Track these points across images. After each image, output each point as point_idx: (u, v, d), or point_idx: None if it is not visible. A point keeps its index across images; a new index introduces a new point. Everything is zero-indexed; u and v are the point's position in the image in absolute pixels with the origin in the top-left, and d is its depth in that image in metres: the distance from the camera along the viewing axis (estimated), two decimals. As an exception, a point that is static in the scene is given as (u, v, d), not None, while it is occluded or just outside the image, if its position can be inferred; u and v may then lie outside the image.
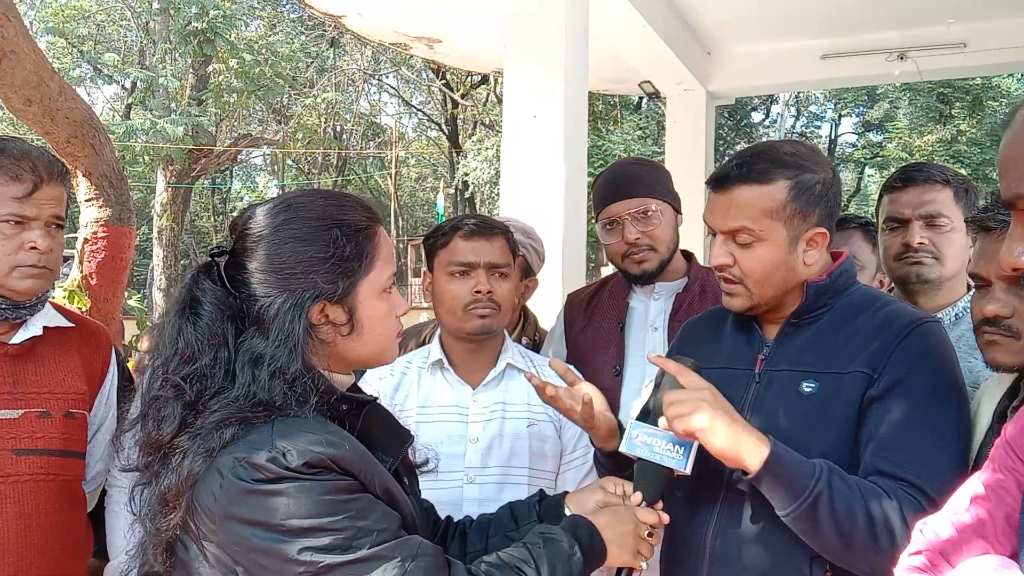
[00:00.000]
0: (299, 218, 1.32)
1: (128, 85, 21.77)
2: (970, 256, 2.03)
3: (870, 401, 1.48)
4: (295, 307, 1.27)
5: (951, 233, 2.10)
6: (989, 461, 1.17)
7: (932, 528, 1.19)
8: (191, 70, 17.76)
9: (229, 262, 1.34)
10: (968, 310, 1.59)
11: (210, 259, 1.35)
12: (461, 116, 25.88)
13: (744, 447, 1.37)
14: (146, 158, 17.36)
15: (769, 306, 1.61)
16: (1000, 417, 1.47)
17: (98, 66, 21.77)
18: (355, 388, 1.43)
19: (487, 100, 23.51)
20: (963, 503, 1.16)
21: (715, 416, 1.38)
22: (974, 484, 1.17)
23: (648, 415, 1.55)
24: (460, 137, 25.81)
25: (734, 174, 1.56)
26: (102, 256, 3.99)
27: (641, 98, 13.27)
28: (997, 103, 21.14)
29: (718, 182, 1.59)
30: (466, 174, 22.90)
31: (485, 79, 21.39)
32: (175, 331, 1.28)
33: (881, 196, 2.27)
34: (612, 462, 1.67)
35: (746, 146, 1.71)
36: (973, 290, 1.51)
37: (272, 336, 1.25)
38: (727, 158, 1.70)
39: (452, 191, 25.31)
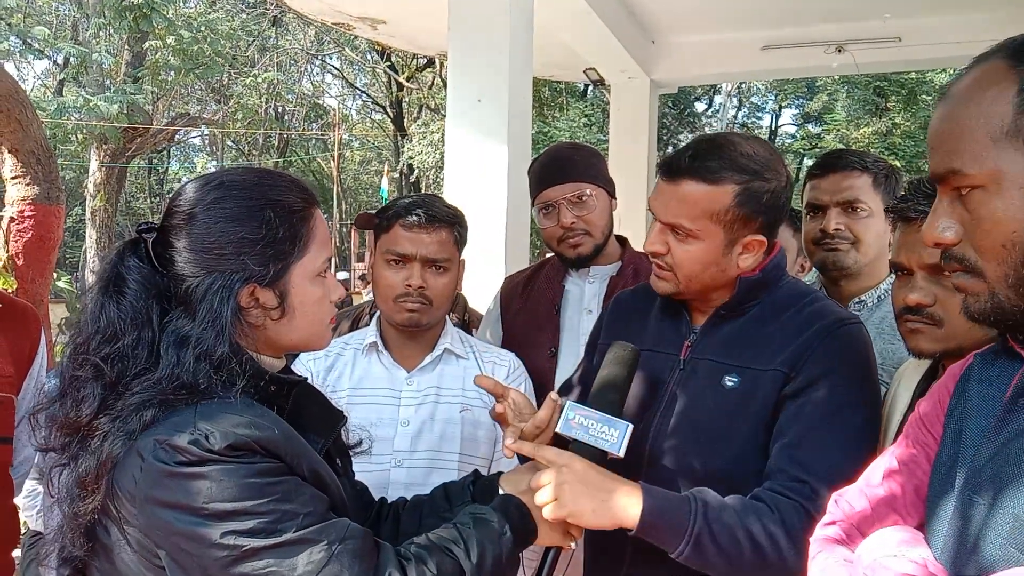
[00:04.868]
0: (231, 196, 1.27)
1: (60, 61, 21.00)
2: (890, 241, 2.11)
3: (784, 399, 1.49)
4: (224, 289, 1.23)
5: (869, 219, 2.16)
6: (903, 436, 1.20)
7: (847, 500, 1.22)
8: (127, 46, 17.16)
9: (157, 239, 1.29)
10: (890, 292, 1.63)
11: (137, 235, 1.30)
12: (406, 99, 25.62)
13: (617, 514, 1.37)
14: (79, 136, 16.76)
15: (696, 296, 1.61)
16: (918, 398, 1.52)
17: (28, 40, 20.94)
18: (286, 371, 1.40)
19: (433, 83, 23.31)
20: (877, 476, 1.20)
21: (577, 498, 1.35)
22: (888, 458, 1.20)
23: (584, 396, 1.55)
24: (405, 120, 25.57)
25: (685, 165, 1.51)
26: (29, 236, 3.88)
27: (587, 85, 13.31)
28: (930, 97, 21.69)
29: (668, 170, 1.55)
30: (411, 158, 22.74)
31: (431, 62, 21.22)
32: (97, 308, 1.23)
33: (805, 183, 2.33)
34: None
35: (704, 133, 1.65)
36: (894, 273, 1.54)
37: (199, 317, 1.21)
38: (676, 145, 1.69)
39: (397, 175, 25.07)
